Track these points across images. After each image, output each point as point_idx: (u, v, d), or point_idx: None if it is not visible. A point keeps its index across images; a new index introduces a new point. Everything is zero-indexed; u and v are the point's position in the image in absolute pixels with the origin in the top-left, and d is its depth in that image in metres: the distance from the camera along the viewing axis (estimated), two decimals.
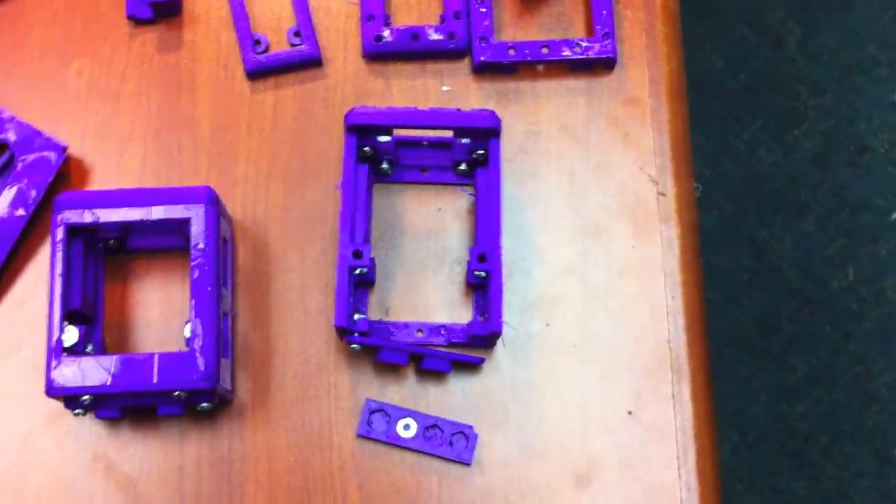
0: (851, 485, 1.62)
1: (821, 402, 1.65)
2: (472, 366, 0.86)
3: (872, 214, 1.73)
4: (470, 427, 0.84)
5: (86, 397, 0.79)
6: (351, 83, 0.93)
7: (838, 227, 1.73)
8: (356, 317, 0.85)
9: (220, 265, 0.82)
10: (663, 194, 0.90)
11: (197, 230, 0.81)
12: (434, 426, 0.84)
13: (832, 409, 1.65)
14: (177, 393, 0.79)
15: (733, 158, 1.76)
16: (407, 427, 0.84)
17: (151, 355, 0.79)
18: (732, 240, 1.73)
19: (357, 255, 0.83)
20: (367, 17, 0.93)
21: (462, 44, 0.93)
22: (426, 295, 0.88)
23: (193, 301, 0.80)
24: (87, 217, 0.82)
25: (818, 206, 1.74)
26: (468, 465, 0.84)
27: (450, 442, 0.84)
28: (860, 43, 1.81)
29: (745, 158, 1.76)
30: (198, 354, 0.79)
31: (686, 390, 0.86)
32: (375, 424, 0.84)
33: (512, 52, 0.92)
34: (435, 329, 0.87)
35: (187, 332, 0.80)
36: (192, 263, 0.81)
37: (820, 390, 1.66)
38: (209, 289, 0.80)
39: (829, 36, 1.81)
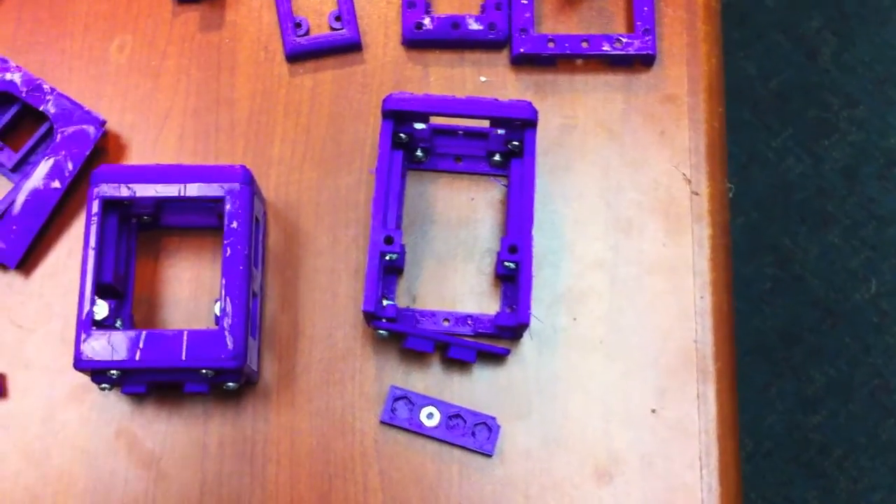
0: (864, 498, 1.61)
1: (837, 414, 1.65)
2: (498, 357, 0.86)
3: None
4: (493, 418, 0.84)
5: (113, 372, 0.79)
6: (389, 69, 0.94)
7: (864, 239, 1.72)
8: (384, 303, 0.85)
9: (252, 245, 0.82)
10: (697, 193, 0.90)
11: (231, 209, 0.82)
12: (457, 416, 0.84)
13: (848, 422, 1.64)
14: (204, 371, 0.79)
15: (762, 166, 1.76)
16: (430, 416, 0.84)
17: (181, 332, 0.79)
18: (757, 247, 1.72)
19: (388, 240, 0.83)
20: (408, 5, 0.93)
21: (502, 35, 0.93)
22: (454, 284, 0.88)
23: (224, 280, 0.80)
24: (124, 191, 0.82)
25: (845, 217, 1.73)
26: (490, 455, 0.84)
27: (472, 432, 0.84)
28: (895, 57, 1.80)
29: (773, 166, 1.76)
30: (227, 333, 0.79)
31: (711, 391, 0.86)
32: (399, 412, 0.85)
33: (551, 44, 0.92)
34: (462, 318, 0.87)
35: (217, 311, 0.80)
36: (225, 242, 0.81)
37: (837, 402, 1.65)
38: (241, 268, 0.80)
39: (863, 48, 1.81)
